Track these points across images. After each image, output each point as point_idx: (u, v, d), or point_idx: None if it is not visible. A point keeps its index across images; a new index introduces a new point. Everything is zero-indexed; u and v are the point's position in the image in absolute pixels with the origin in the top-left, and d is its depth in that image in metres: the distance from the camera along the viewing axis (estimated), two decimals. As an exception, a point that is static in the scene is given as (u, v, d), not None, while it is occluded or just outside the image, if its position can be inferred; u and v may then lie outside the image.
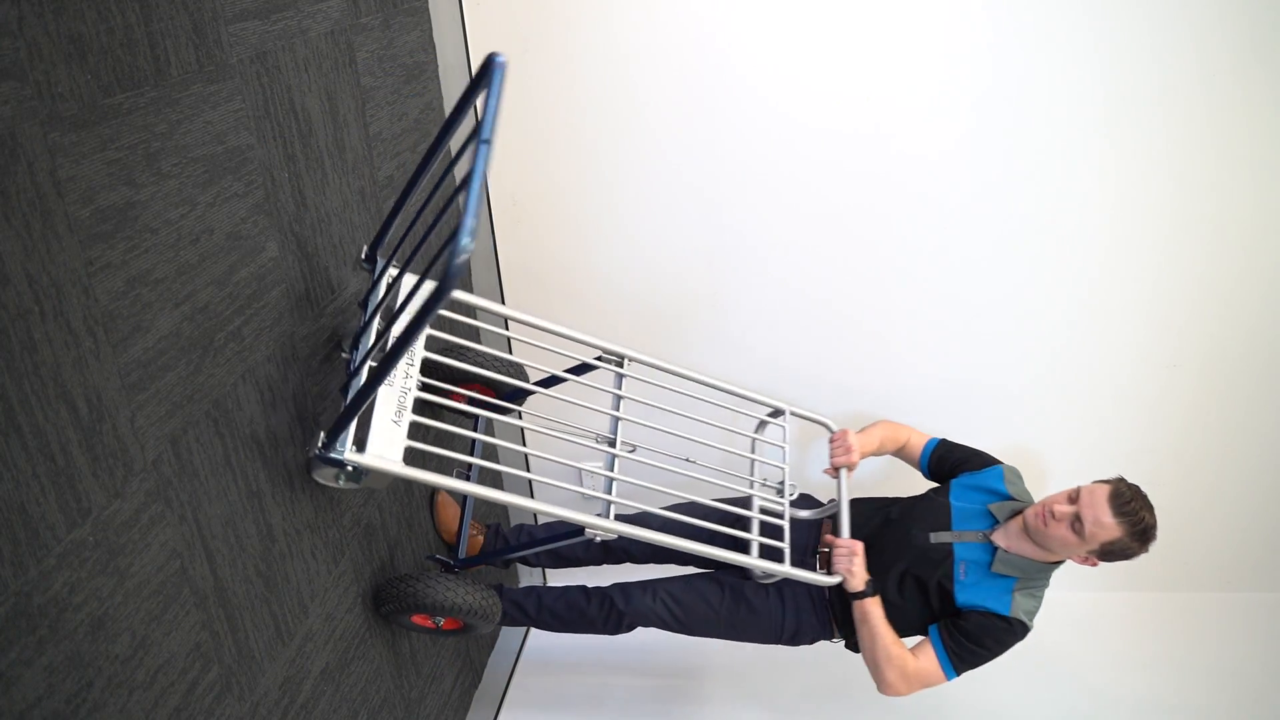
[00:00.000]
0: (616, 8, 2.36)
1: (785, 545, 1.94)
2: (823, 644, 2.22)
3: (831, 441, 2.19)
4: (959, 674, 1.95)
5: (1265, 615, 2.81)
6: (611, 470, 1.80)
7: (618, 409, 1.89)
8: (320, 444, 1.49)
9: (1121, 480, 1.93)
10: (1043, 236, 2.47)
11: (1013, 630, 1.94)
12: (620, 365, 1.98)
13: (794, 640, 2.19)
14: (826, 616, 2.14)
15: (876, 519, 2.16)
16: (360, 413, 1.49)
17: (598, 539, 1.84)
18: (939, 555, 2.02)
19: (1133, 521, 1.86)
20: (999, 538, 2.01)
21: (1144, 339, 2.57)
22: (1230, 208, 2.39)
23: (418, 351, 1.72)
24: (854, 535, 2.09)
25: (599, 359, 1.99)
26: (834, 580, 1.97)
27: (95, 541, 1.20)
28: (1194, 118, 2.30)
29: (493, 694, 2.69)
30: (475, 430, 2.11)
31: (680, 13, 2.34)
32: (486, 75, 1.27)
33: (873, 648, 1.97)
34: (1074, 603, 2.84)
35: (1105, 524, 1.87)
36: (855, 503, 2.19)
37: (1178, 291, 2.50)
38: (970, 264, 2.52)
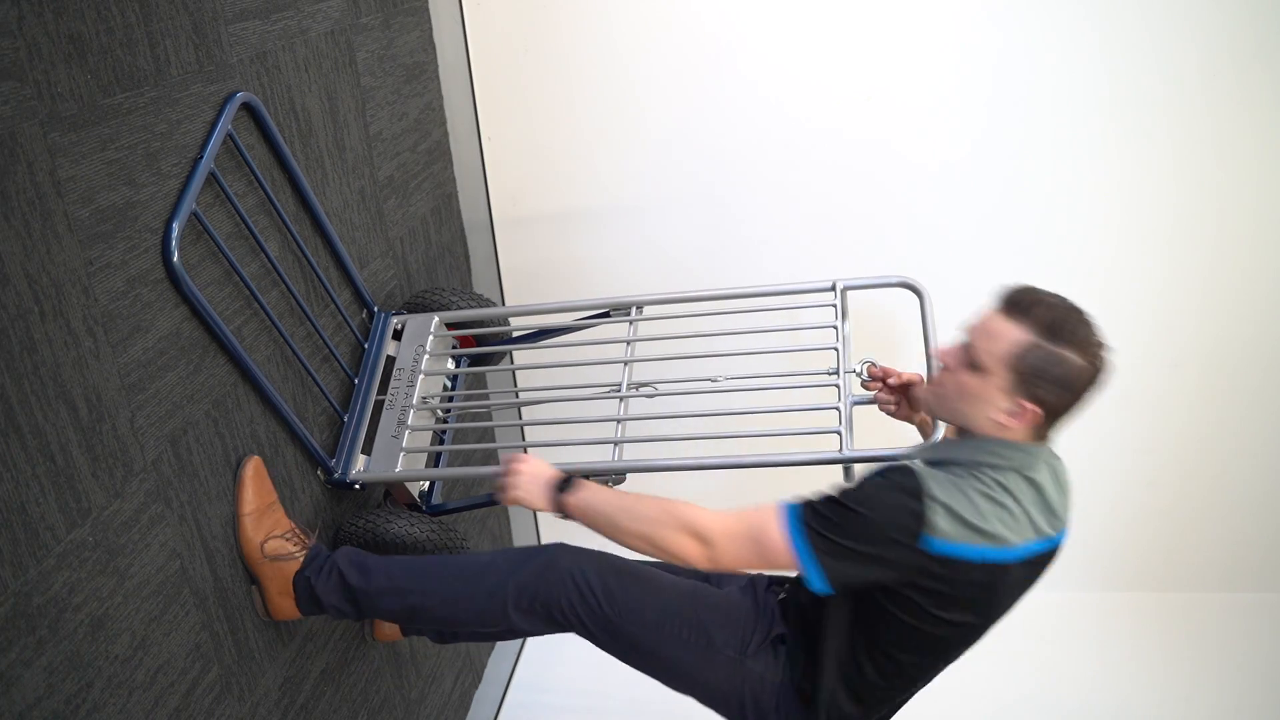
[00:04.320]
0: (616, 7, 2.36)
1: (842, 429, 1.51)
2: None
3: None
4: (806, 525, 1.28)
5: (1265, 615, 2.81)
6: (621, 423, 1.70)
7: (630, 357, 1.80)
8: (333, 470, 1.74)
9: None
10: (1044, 236, 2.47)
11: (889, 478, 1.29)
12: (629, 314, 1.88)
13: None
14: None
15: None
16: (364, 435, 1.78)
17: (610, 484, 1.61)
18: None
19: (1034, 317, 1.26)
20: None
21: (1146, 338, 2.56)
22: (1233, 207, 2.38)
23: (418, 374, 1.87)
24: None
25: (607, 314, 1.90)
26: (497, 502, 1.51)
27: (95, 541, 1.20)
28: (1197, 117, 2.29)
29: (493, 694, 2.69)
30: (454, 378, 2.01)
31: (680, 12, 2.34)
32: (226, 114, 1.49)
33: (618, 521, 1.37)
34: (1074, 603, 2.84)
35: (997, 331, 1.28)
36: None
37: (1180, 291, 2.50)
38: (971, 265, 2.52)
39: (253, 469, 1.53)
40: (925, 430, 1.66)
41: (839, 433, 1.59)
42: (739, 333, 1.83)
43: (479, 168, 2.55)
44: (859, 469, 1.50)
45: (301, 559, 1.57)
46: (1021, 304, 1.29)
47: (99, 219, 1.21)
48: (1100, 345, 1.29)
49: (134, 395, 1.28)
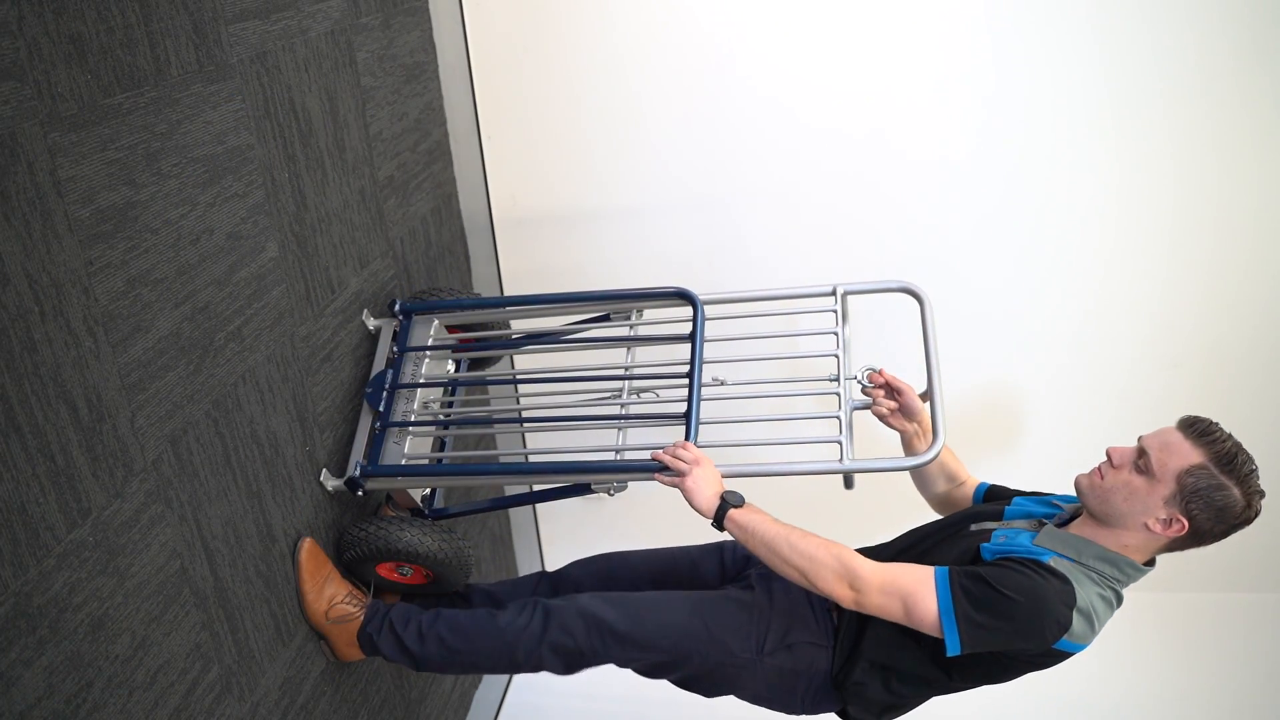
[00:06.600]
0: (616, 8, 2.36)
1: (843, 438, 1.57)
2: None
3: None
4: (955, 598, 1.38)
5: (1265, 615, 2.81)
6: (622, 431, 1.71)
7: (630, 361, 1.80)
8: (352, 472, 1.72)
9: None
10: (1044, 237, 2.47)
11: (1047, 581, 1.38)
12: (629, 317, 1.89)
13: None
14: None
15: (929, 528, 1.69)
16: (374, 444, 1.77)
17: (612, 493, 1.64)
18: (975, 539, 1.55)
19: (1212, 445, 1.38)
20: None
21: (1146, 338, 2.57)
22: (1232, 208, 2.39)
23: (419, 378, 1.85)
24: (906, 551, 1.64)
25: (606, 317, 1.91)
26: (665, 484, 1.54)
27: (95, 541, 1.20)
28: (1197, 118, 2.30)
29: (493, 695, 2.69)
30: (455, 377, 2.00)
31: (680, 13, 2.34)
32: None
33: (778, 549, 1.44)
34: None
35: (1176, 446, 1.40)
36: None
37: (1180, 291, 2.50)
38: (972, 265, 2.52)
39: (307, 551, 1.68)
40: (913, 442, 1.71)
41: (839, 442, 1.61)
42: (740, 338, 1.82)
43: (479, 168, 2.55)
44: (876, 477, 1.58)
45: (362, 617, 1.74)
46: (1203, 431, 1.41)
47: (99, 219, 1.21)
48: (1259, 493, 1.41)
49: (134, 395, 1.28)
